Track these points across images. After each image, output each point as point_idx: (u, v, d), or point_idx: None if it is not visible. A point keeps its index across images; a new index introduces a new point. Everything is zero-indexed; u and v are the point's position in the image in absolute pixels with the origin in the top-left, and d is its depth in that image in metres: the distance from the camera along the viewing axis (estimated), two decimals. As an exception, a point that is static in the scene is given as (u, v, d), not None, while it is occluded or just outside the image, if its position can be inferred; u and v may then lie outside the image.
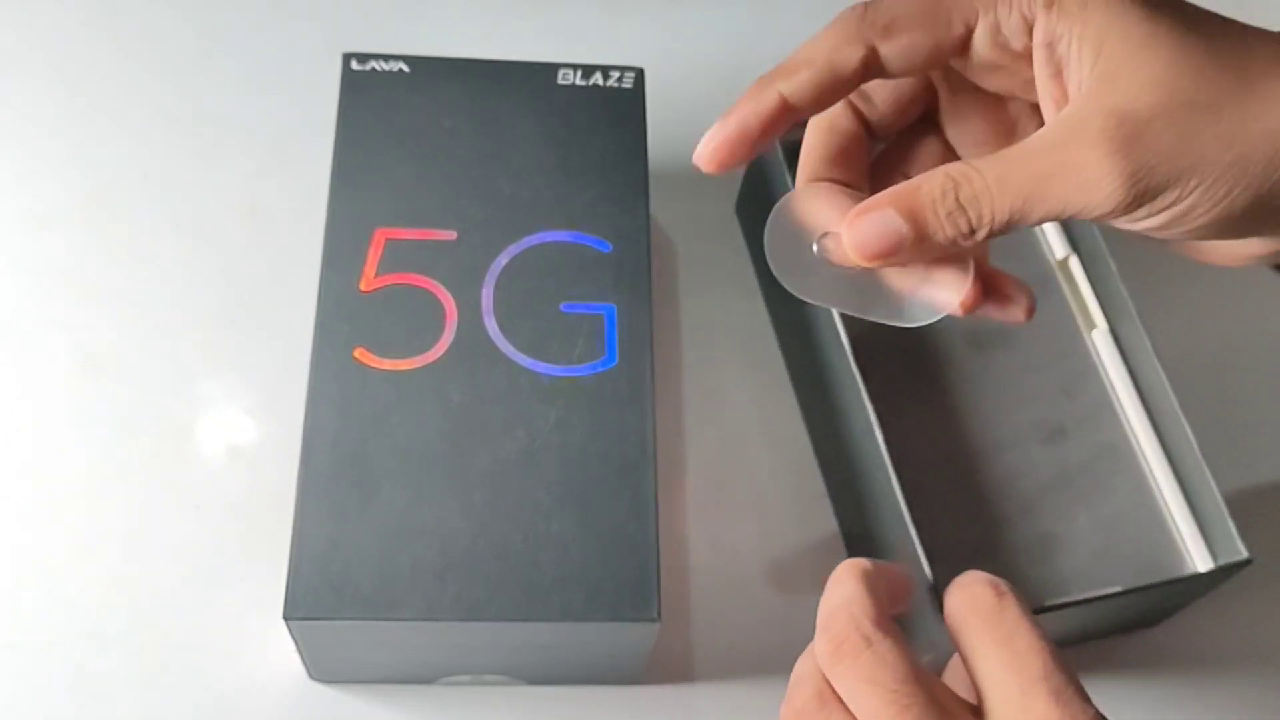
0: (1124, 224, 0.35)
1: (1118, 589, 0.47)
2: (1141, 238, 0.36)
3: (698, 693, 0.51)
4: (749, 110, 0.37)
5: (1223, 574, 0.47)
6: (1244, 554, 0.46)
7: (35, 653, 0.49)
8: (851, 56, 0.36)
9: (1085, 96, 0.34)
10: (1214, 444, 0.49)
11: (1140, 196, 0.33)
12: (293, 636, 0.44)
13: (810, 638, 0.51)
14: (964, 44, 0.36)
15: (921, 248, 0.35)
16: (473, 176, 0.51)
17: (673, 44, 0.66)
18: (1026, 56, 0.36)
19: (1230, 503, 0.47)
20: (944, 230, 0.35)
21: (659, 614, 0.43)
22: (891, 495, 0.46)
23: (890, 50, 0.36)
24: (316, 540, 0.43)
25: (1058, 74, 0.35)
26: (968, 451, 0.50)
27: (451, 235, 0.49)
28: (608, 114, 0.53)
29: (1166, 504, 0.49)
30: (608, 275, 0.49)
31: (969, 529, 0.48)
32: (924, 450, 0.50)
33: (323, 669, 0.48)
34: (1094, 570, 0.48)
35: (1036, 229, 0.54)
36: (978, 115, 0.40)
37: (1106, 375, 0.52)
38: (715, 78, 0.65)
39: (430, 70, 0.53)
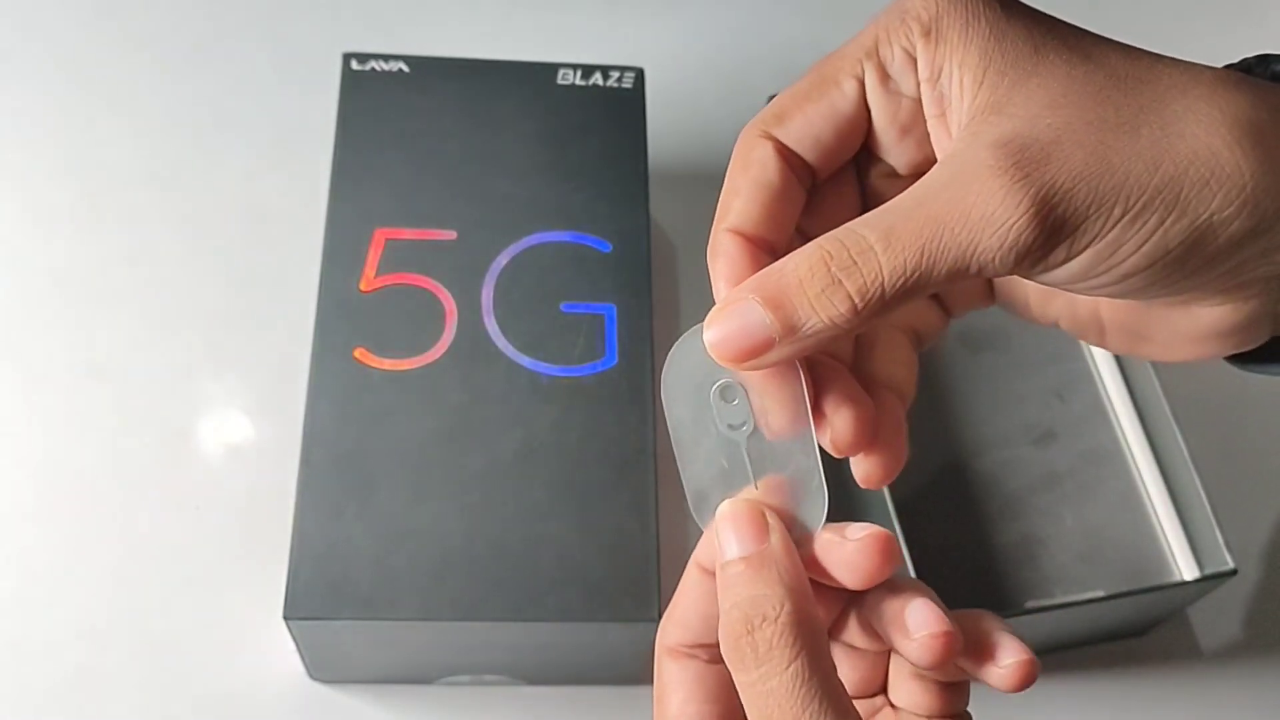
0: (1041, 277, 0.28)
1: (1101, 594, 0.47)
2: (1067, 313, 0.33)
3: (698, 693, 0.50)
4: (726, 269, 0.32)
5: (1208, 583, 0.47)
6: (1230, 564, 0.46)
7: (35, 653, 0.49)
8: (767, 162, 0.32)
9: (972, 128, 0.29)
10: (1205, 453, 0.49)
11: (1056, 229, 0.27)
12: (293, 636, 0.44)
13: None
14: (863, 107, 0.31)
15: (792, 345, 0.29)
16: (473, 176, 0.51)
17: (673, 44, 0.66)
18: (921, 103, 0.31)
19: (1219, 513, 0.47)
20: (817, 315, 0.28)
21: (659, 614, 0.43)
22: (879, 493, 0.46)
23: (791, 136, 0.32)
24: (316, 540, 0.43)
25: (943, 113, 0.30)
26: (957, 451, 0.50)
27: (451, 235, 0.49)
28: (608, 114, 0.53)
29: (1155, 511, 0.49)
30: (608, 275, 0.49)
31: (955, 528, 0.48)
32: (914, 449, 0.50)
33: (323, 669, 0.48)
34: (1078, 574, 0.48)
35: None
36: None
37: (1100, 380, 0.52)
38: (715, 78, 0.65)
39: (430, 70, 0.53)
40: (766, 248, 0.32)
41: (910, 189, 0.28)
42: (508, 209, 0.50)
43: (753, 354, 0.29)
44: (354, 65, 0.53)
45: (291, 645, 0.46)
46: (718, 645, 0.30)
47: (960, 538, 0.48)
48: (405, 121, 0.52)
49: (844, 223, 0.29)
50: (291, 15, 0.65)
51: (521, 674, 0.49)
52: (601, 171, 0.51)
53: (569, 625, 0.43)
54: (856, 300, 0.28)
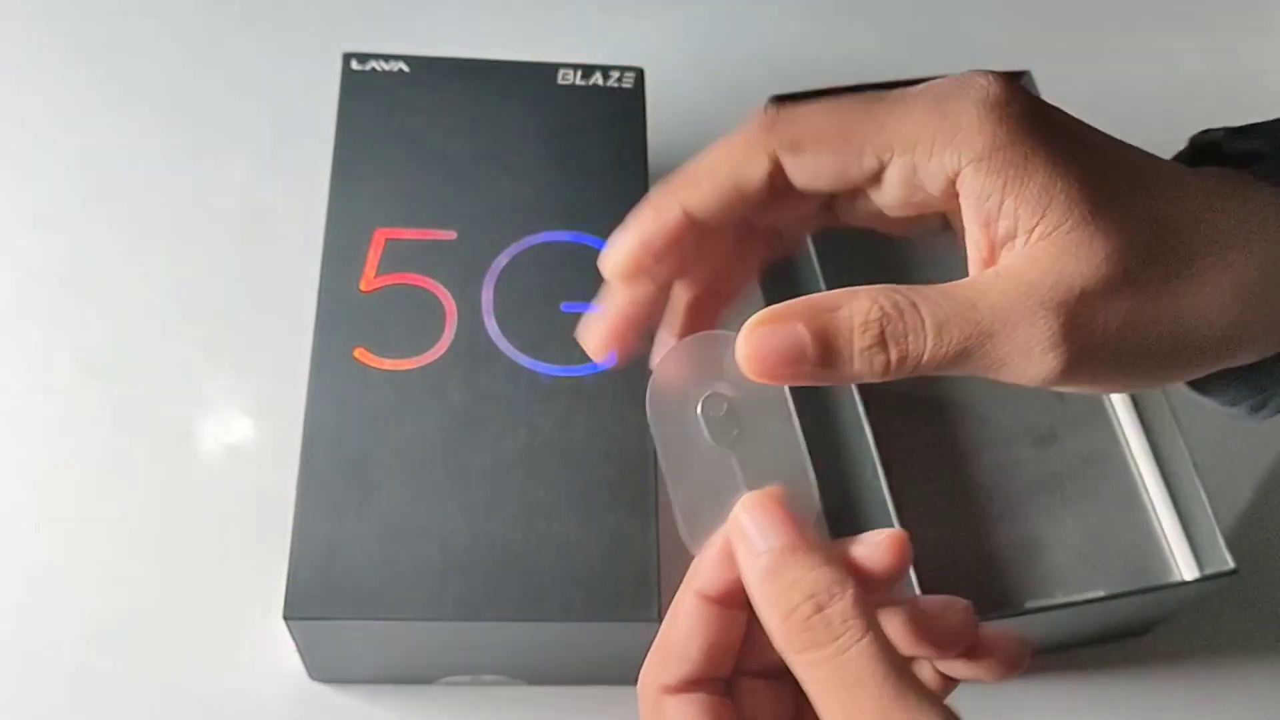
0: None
1: (1101, 593, 0.47)
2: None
3: (698, 693, 0.50)
4: (651, 225, 0.33)
5: (1208, 583, 0.47)
6: (1230, 564, 0.46)
7: (35, 653, 0.49)
8: (757, 171, 0.33)
9: (1034, 262, 0.31)
10: (1205, 453, 0.49)
11: (1069, 378, 0.31)
12: (293, 636, 0.44)
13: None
14: (875, 177, 0.33)
15: (822, 375, 0.31)
16: (473, 176, 0.51)
17: (673, 44, 0.66)
18: (939, 200, 0.33)
19: (1219, 513, 0.47)
20: (855, 364, 0.31)
21: (659, 614, 0.43)
22: (879, 493, 0.46)
23: (796, 168, 0.33)
24: (316, 540, 0.43)
25: (988, 224, 0.32)
26: (958, 452, 0.50)
27: (451, 235, 0.49)
28: (608, 114, 0.53)
29: (1155, 511, 0.49)
30: (608, 275, 0.49)
31: (955, 528, 0.48)
32: (914, 449, 0.50)
33: (323, 669, 0.48)
34: (1078, 574, 0.48)
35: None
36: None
37: None
38: (715, 78, 0.65)
39: (430, 70, 0.53)
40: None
41: (966, 291, 0.31)
42: (508, 209, 0.50)
43: (784, 377, 0.31)
44: (354, 65, 0.53)
45: (291, 645, 0.46)
46: (720, 679, 0.31)
47: (960, 538, 0.48)
48: (405, 121, 0.52)
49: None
50: (291, 15, 0.65)
51: (521, 674, 0.49)
52: (601, 171, 0.51)
53: (569, 625, 0.43)
54: (894, 366, 0.31)
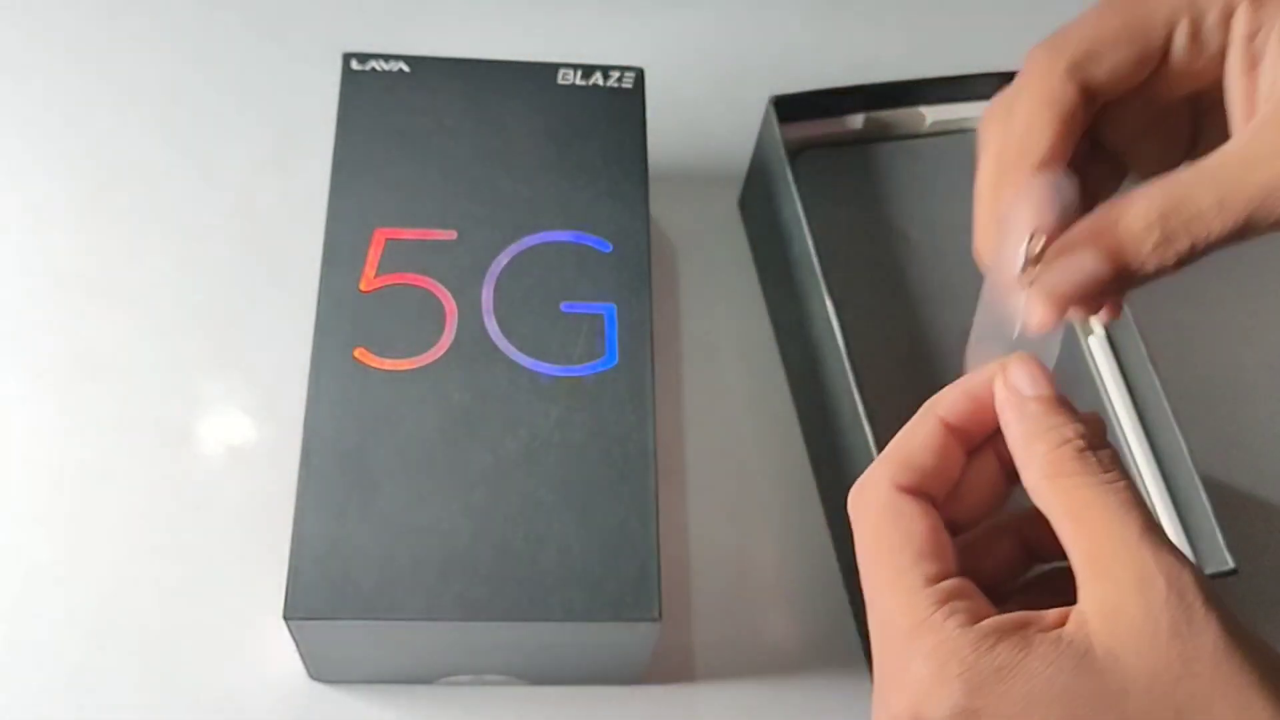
0: None
1: None
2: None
3: (698, 693, 0.51)
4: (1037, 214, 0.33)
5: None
6: (1229, 564, 0.46)
7: (35, 653, 0.49)
8: (1070, 101, 0.34)
9: None
10: (1205, 454, 0.49)
11: None
12: (293, 636, 0.44)
13: (808, 637, 0.52)
14: (1166, 48, 0.34)
15: (1119, 285, 0.32)
16: (473, 176, 0.51)
17: (673, 44, 0.66)
18: (1219, 57, 0.34)
19: (1218, 513, 0.47)
20: (1149, 264, 0.31)
21: (660, 614, 0.43)
22: None
23: (1100, 78, 0.34)
24: (316, 540, 0.43)
25: (1253, 67, 0.33)
26: None
27: (451, 235, 0.49)
28: (608, 114, 0.53)
29: (1154, 511, 0.49)
30: (608, 275, 0.49)
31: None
32: None
33: (323, 669, 0.48)
34: None
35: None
36: (1148, 118, 0.36)
37: (1101, 381, 0.52)
38: (715, 78, 0.65)
39: (430, 70, 0.53)
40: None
41: (1234, 149, 0.31)
42: (508, 209, 0.50)
43: (1082, 301, 0.32)
44: (354, 65, 0.53)
45: (291, 645, 0.46)
46: (937, 493, 0.33)
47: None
48: (405, 121, 0.52)
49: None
50: (291, 15, 0.65)
51: (522, 674, 0.49)
52: (601, 171, 0.51)
53: (569, 625, 0.43)
54: (1187, 253, 0.31)
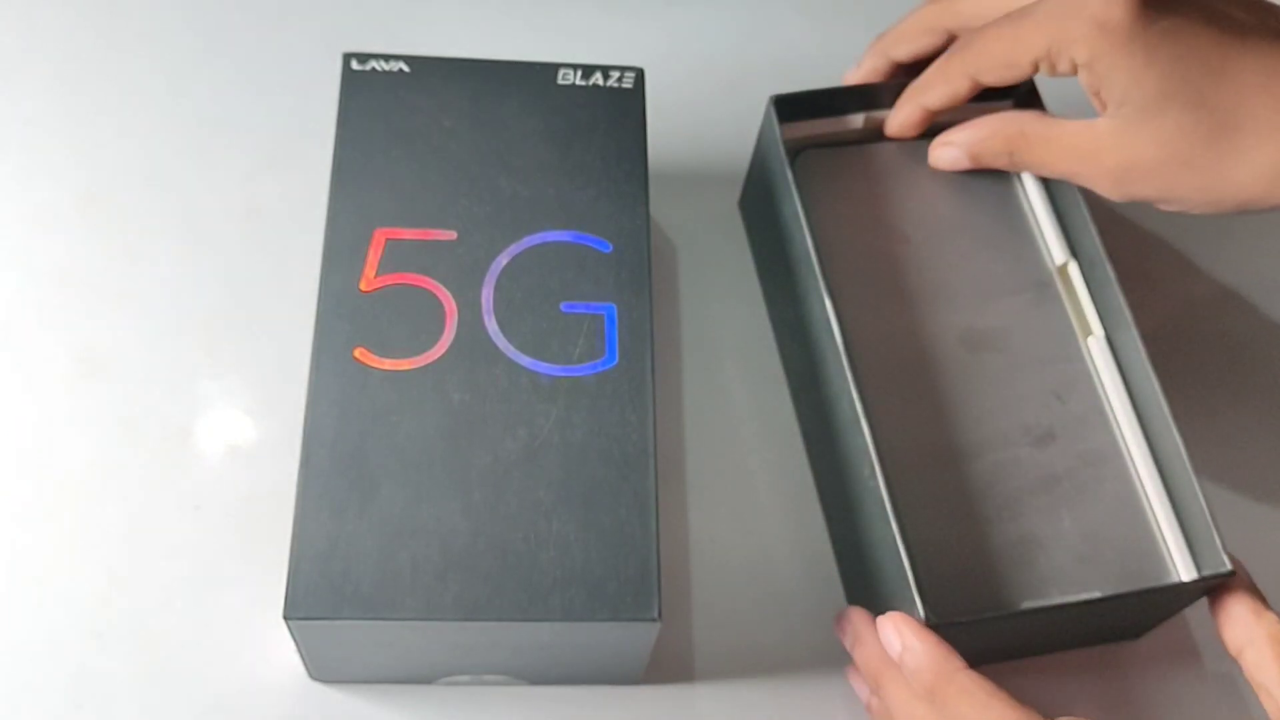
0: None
1: (1098, 594, 0.47)
2: None
3: (698, 693, 0.51)
4: (899, 121, 0.56)
5: (1205, 585, 0.46)
6: (1227, 566, 0.46)
7: (35, 653, 0.49)
8: (964, 88, 0.52)
9: (1110, 130, 0.48)
10: (1204, 455, 0.49)
11: (1124, 199, 0.50)
12: (293, 636, 0.44)
13: (808, 637, 0.52)
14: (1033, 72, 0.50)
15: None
16: (473, 176, 0.51)
17: (673, 44, 0.66)
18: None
19: (1216, 514, 0.47)
20: (986, 161, 0.53)
21: (659, 614, 0.43)
22: (876, 492, 0.46)
23: (984, 79, 0.52)
24: (316, 540, 0.43)
25: (1096, 93, 0.48)
26: (956, 451, 0.50)
27: (451, 235, 0.49)
28: (608, 114, 0.53)
29: (1153, 512, 0.49)
30: (608, 275, 0.49)
31: (953, 527, 0.48)
32: (912, 449, 0.50)
33: (323, 669, 0.48)
34: (1075, 575, 0.48)
35: (1037, 235, 0.55)
36: None
37: (1100, 382, 0.52)
38: (715, 78, 0.65)
39: (430, 70, 0.53)
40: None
41: (1070, 132, 0.50)
42: (508, 209, 0.50)
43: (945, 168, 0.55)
44: (354, 65, 0.53)
45: (291, 645, 0.46)
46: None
47: (958, 538, 0.48)
48: (405, 121, 0.52)
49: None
50: (291, 15, 0.65)
51: (522, 674, 0.49)
52: (601, 171, 0.51)
53: (569, 625, 0.43)
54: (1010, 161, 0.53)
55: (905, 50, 0.54)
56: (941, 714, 0.43)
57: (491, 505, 0.44)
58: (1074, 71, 0.48)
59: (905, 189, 0.56)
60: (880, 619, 0.45)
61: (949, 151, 0.54)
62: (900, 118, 0.54)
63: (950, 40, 0.53)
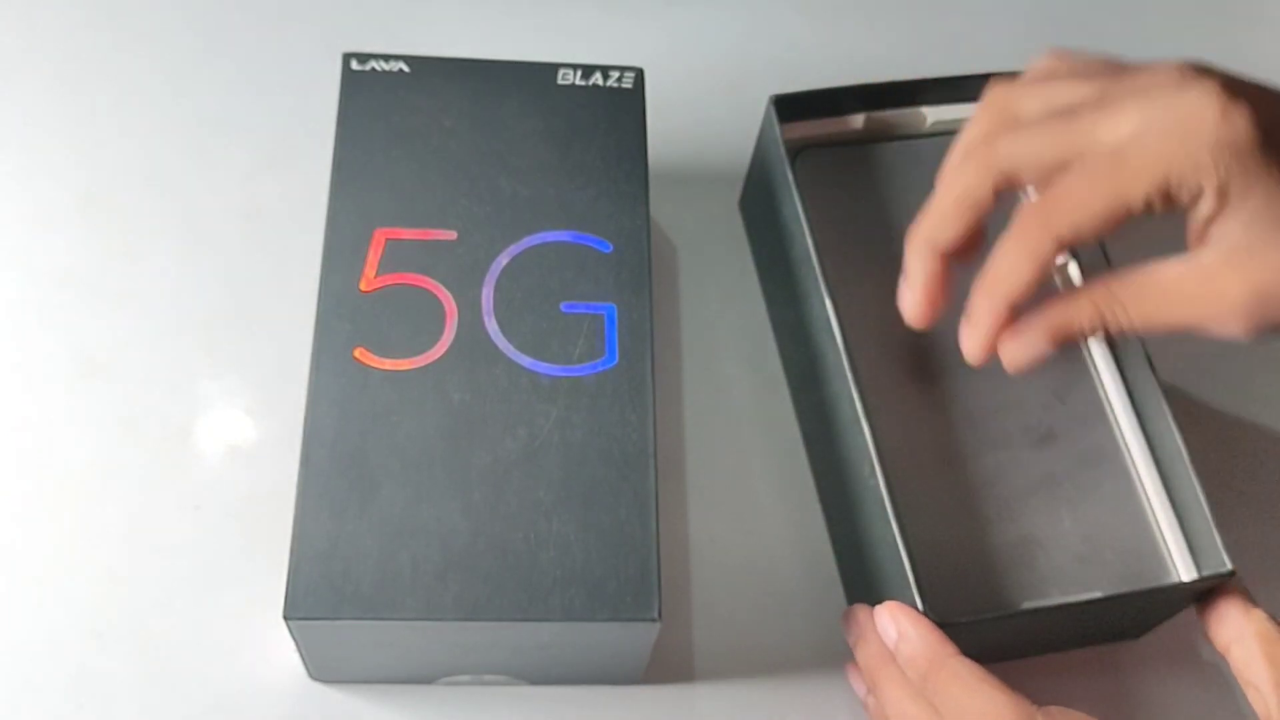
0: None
1: (1098, 594, 0.47)
2: None
3: (698, 693, 0.51)
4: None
5: (1206, 585, 0.46)
6: (1228, 565, 0.46)
7: (35, 653, 0.49)
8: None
9: (1228, 257, 0.41)
10: (1205, 456, 0.49)
11: (1258, 336, 0.41)
12: (293, 636, 0.44)
13: (808, 637, 0.52)
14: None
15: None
16: (473, 176, 0.51)
17: (673, 44, 0.66)
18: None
19: (1216, 514, 0.47)
20: (1074, 338, 0.44)
21: (659, 614, 0.43)
22: (876, 491, 0.46)
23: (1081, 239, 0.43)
24: (316, 540, 0.43)
25: (1206, 230, 0.41)
26: (956, 452, 0.50)
27: (451, 235, 0.49)
28: (608, 114, 0.53)
29: (1153, 513, 0.49)
30: (608, 275, 0.49)
31: (953, 527, 0.48)
32: (912, 449, 0.50)
33: (323, 669, 0.48)
34: (1075, 575, 0.48)
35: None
36: None
37: (1100, 382, 0.52)
38: (715, 78, 0.65)
39: (430, 70, 0.53)
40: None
41: (1170, 278, 0.42)
42: (508, 209, 0.50)
43: (1030, 368, 0.45)
44: (354, 65, 0.53)
45: (291, 645, 0.46)
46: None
47: (958, 538, 0.48)
48: (405, 121, 0.52)
49: None
50: (291, 15, 0.65)
51: (522, 674, 0.49)
52: (601, 171, 0.51)
53: (570, 625, 0.43)
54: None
55: (952, 233, 0.44)
56: (934, 700, 0.43)
57: (491, 505, 0.44)
58: (1191, 204, 0.41)
59: (905, 189, 0.56)
60: (878, 608, 0.45)
61: (1026, 341, 0.44)
62: (981, 333, 0.44)
63: (996, 198, 0.44)
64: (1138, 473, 0.50)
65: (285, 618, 0.42)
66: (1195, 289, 0.41)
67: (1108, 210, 0.40)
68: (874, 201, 0.55)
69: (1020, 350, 0.44)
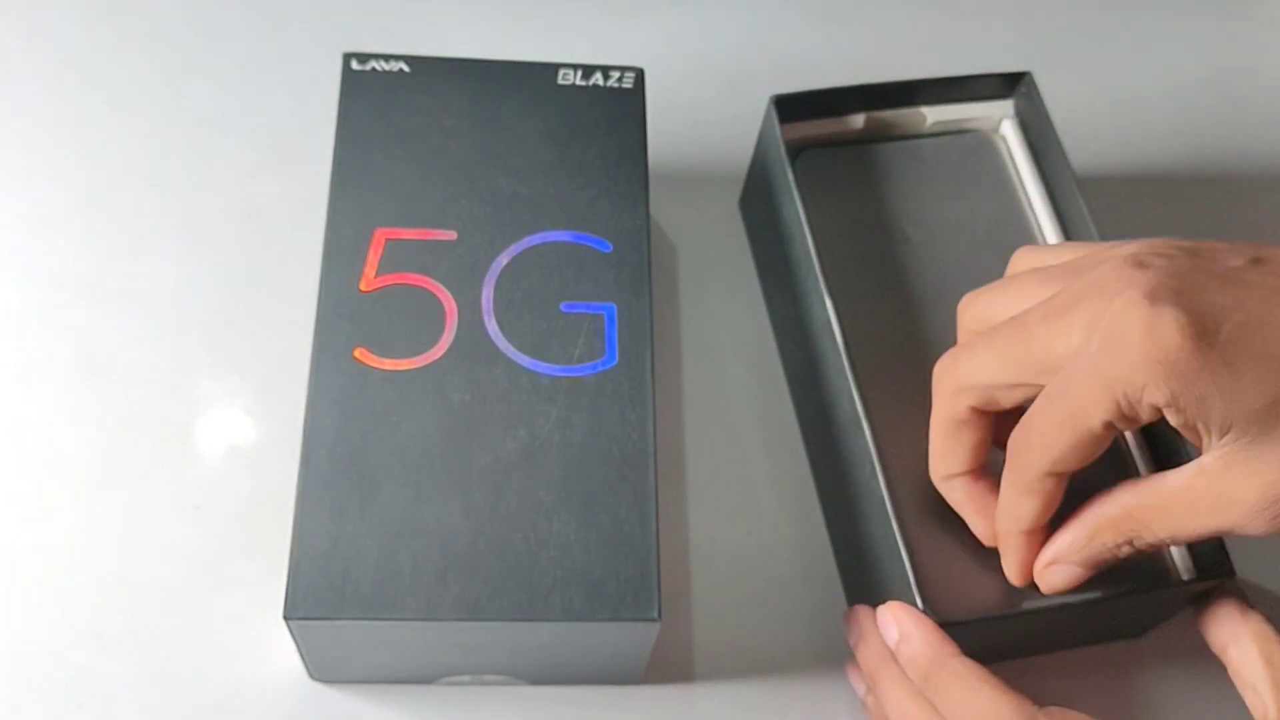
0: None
1: (1098, 595, 0.47)
2: None
3: (698, 693, 0.51)
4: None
5: (1206, 585, 0.46)
6: (1228, 566, 0.46)
7: (35, 653, 0.49)
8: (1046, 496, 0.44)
9: (1228, 463, 0.39)
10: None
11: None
12: (293, 636, 0.44)
13: (808, 637, 0.52)
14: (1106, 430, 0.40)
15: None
16: (473, 176, 0.51)
17: (673, 44, 0.66)
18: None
19: None
20: (1107, 561, 0.44)
21: (659, 614, 0.43)
22: (877, 492, 0.46)
23: (1062, 467, 0.42)
24: (316, 540, 0.43)
25: (1191, 430, 0.39)
26: None
27: (451, 235, 0.49)
28: (608, 114, 0.53)
29: None
30: (608, 275, 0.49)
31: (953, 529, 0.48)
32: (912, 449, 0.50)
33: (323, 669, 0.48)
34: None
35: (1037, 235, 0.55)
36: None
37: None
38: (715, 78, 0.65)
39: (430, 70, 0.53)
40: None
41: (1186, 489, 0.40)
42: (508, 209, 0.50)
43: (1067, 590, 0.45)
44: (354, 65, 0.53)
45: (291, 645, 0.46)
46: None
47: (958, 538, 0.48)
48: (405, 121, 0.52)
49: None
50: (291, 15, 0.65)
51: (522, 674, 0.49)
52: (601, 171, 0.51)
53: (570, 625, 0.43)
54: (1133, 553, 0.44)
55: (956, 464, 0.45)
56: (934, 700, 0.43)
57: (491, 505, 0.44)
58: (1159, 416, 0.38)
59: (905, 189, 0.56)
60: (880, 608, 0.45)
61: (1062, 571, 0.44)
62: (1014, 565, 0.45)
63: (989, 417, 0.44)
64: (1138, 473, 0.50)
65: (285, 618, 0.42)
66: (1208, 498, 0.39)
67: (1075, 440, 0.40)
68: (874, 201, 0.55)
69: (1059, 581, 0.45)
